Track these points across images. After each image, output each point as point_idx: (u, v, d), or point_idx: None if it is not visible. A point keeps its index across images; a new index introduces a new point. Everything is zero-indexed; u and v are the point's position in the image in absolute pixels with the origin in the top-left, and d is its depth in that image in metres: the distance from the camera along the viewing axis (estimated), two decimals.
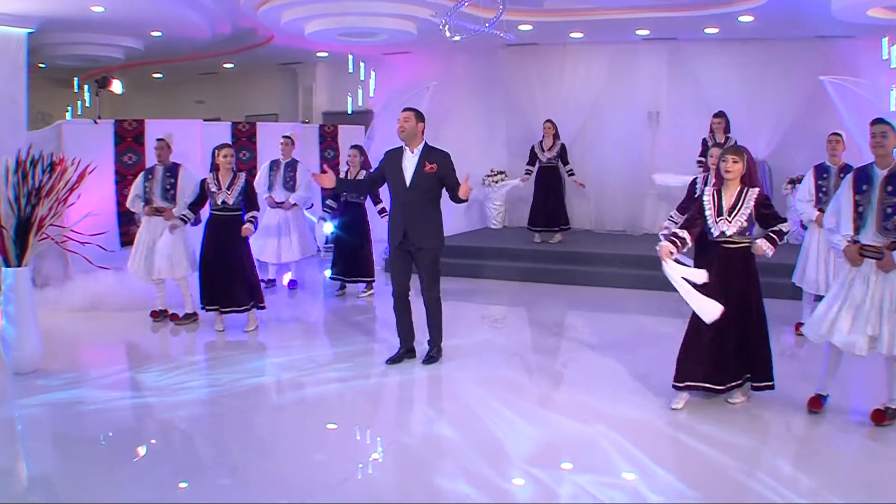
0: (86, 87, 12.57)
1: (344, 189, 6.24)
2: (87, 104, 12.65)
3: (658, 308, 8.69)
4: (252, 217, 7.52)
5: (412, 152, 6.20)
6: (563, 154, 11.05)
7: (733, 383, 5.37)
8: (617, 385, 6.02)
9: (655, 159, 12.38)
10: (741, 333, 5.27)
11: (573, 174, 11.03)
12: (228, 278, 7.44)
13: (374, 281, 9.69)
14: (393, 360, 6.54)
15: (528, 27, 11.09)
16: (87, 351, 7.54)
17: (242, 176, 7.59)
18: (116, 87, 11.54)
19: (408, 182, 6.15)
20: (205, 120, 11.33)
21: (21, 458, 4.82)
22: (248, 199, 7.54)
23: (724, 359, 5.25)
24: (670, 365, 5.45)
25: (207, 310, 7.65)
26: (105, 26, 11.04)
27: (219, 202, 7.44)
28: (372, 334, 7.88)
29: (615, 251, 10.71)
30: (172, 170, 7.97)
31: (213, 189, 7.49)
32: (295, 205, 9.55)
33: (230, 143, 7.88)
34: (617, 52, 12.39)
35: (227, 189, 7.46)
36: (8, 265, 6.31)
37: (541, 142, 11.18)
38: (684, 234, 5.22)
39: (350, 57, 11.80)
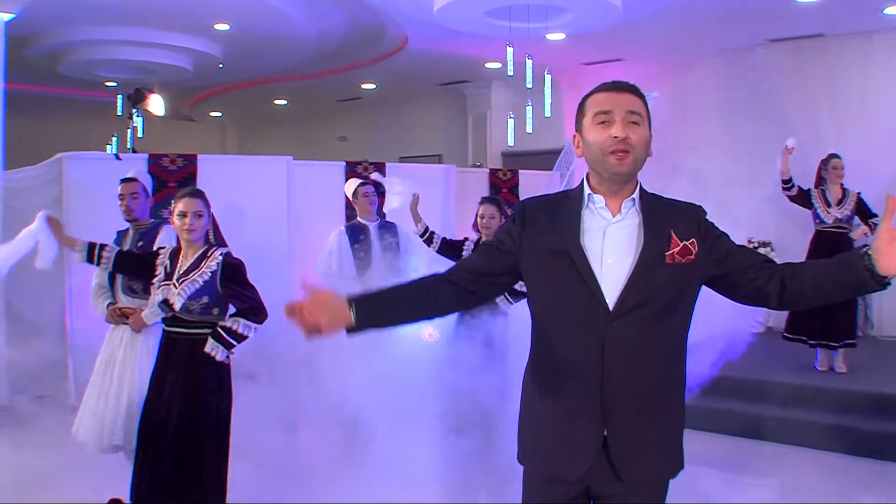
0: (134, 112, 10.55)
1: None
2: (140, 133, 10.70)
3: None
4: (227, 328, 4.36)
5: (608, 210, 2.56)
6: (861, 210, 7.76)
7: None
8: None
9: None
10: None
11: (872, 222, 7.62)
12: (168, 458, 4.39)
13: None
14: None
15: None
16: None
17: (218, 255, 4.42)
18: (155, 104, 9.45)
19: (611, 299, 2.44)
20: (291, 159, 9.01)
21: None
22: (233, 295, 4.43)
23: None
24: None
25: None
26: (134, 14, 8.88)
27: (157, 302, 4.50)
28: None
29: None
30: (149, 234, 5.31)
31: (157, 277, 4.47)
32: None
33: (199, 190, 4.62)
34: None
35: (180, 280, 4.35)
36: None
37: (823, 191, 7.71)
38: None
39: (509, 51, 8.52)
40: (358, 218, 6.67)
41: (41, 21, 8.40)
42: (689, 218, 2.59)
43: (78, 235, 7.44)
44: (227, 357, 4.37)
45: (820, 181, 7.62)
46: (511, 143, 10.25)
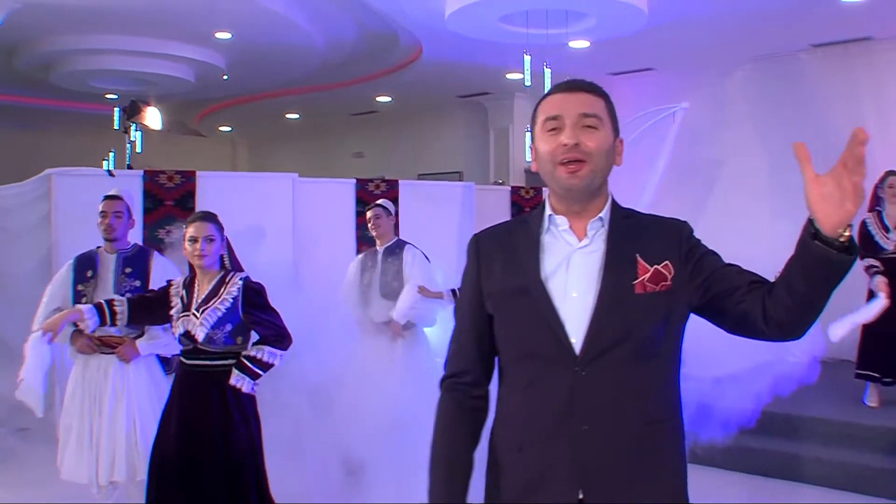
0: (132, 126, 10.32)
1: None
2: (139, 148, 10.49)
3: None
4: (252, 357, 4.26)
5: (573, 234, 2.17)
6: None
7: None
8: None
9: None
10: None
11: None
12: (203, 485, 4.25)
13: None
14: None
15: None
16: None
17: (238, 279, 4.36)
18: (152, 117, 9.19)
19: (577, 339, 2.05)
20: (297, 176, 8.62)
21: None
22: (256, 322, 4.36)
23: None
24: None
25: None
26: (130, 22, 8.60)
27: (177, 334, 4.27)
28: None
29: None
30: (137, 259, 5.08)
31: (174, 309, 4.32)
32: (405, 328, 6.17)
33: (210, 213, 4.43)
34: None
35: (200, 309, 4.21)
36: None
37: (879, 213, 7.04)
38: None
39: (526, 59, 8.16)
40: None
41: (30, 28, 8.20)
42: (665, 237, 2.24)
43: (66, 257, 7.22)
44: (254, 388, 4.24)
45: (876, 201, 6.96)
46: (528, 158, 9.68)
